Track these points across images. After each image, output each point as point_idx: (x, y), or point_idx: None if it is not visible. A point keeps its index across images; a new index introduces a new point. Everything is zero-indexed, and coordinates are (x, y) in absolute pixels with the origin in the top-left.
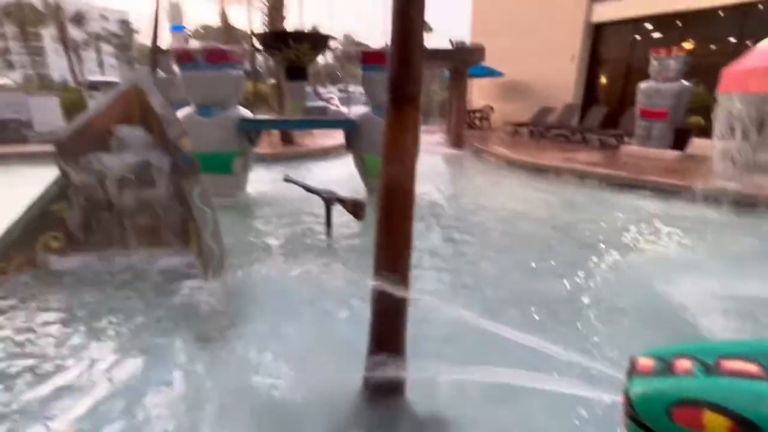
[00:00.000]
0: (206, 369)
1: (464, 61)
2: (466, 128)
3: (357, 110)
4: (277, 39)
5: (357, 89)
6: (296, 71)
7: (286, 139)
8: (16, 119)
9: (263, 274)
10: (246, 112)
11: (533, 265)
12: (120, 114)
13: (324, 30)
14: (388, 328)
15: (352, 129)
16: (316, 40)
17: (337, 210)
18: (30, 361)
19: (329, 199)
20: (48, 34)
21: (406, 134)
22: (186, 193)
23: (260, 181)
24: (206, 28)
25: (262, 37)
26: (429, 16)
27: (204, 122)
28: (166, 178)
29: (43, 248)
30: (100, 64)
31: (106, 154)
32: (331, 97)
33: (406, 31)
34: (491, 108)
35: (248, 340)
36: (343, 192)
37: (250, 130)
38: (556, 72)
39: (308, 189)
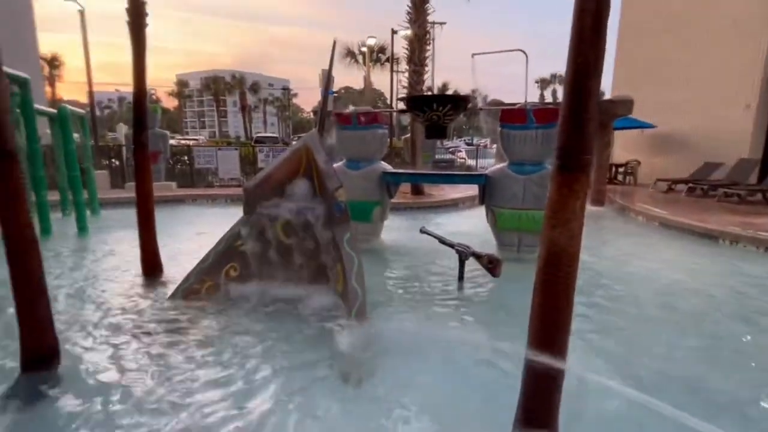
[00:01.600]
0: (342, 407)
1: (609, 113)
2: (608, 183)
3: (485, 163)
4: (420, 102)
5: (482, 141)
6: (436, 130)
7: (417, 190)
8: (208, 168)
9: (400, 320)
10: (387, 166)
11: (699, 345)
12: (292, 168)
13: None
14: (540, 402)
15: (486, 184)
16: (458, 102)
17: (470, 263)
18: (178, 376)
19: (464, 253)
20: (230, 100)
21: (575, 200)
22: (338, 238)
23: (393, 229)
24: (348, 89)
25: (406, 100)
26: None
27: (351, 174)
28: (323, 224)
29: (225, 276)
30: (264, 122)
31: (280, 201)
32: (458, 149)
33: (582, 102)
34: (638, 162)
35: (386, 385)
36: (476, 246)
37: (390, 182)
38: (724, 123)
39: (443, 241)
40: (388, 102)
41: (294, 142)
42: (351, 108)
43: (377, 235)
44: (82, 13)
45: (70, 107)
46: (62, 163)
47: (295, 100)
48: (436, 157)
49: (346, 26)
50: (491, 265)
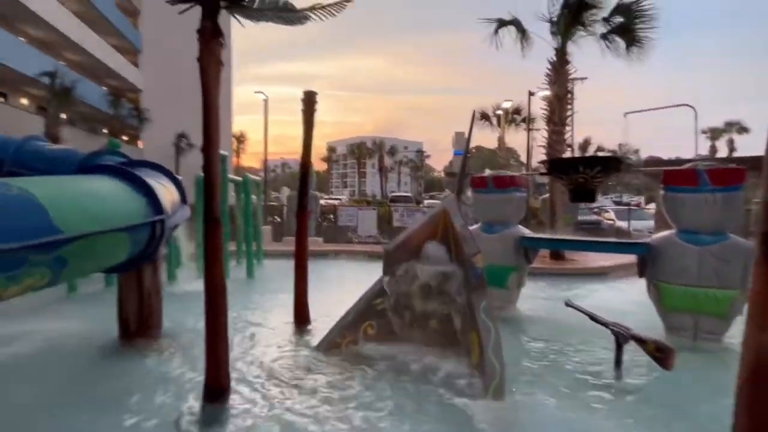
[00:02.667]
0: None
1: None
2: None
3: (641, 226)
4: (564, 164)
5: (634, 199)
6: (583, 193)
7: (557, 254)
8: (349, 225)
9: (543, 405)
10: (524, 230)
11: None
12: (430, 231)
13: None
14: None
15: (648, 254)
16: (609, 164)
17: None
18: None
19: (622, 336)
20: (370, 162)
21: None
22: (474, 305)
23: (529, 296)
24: (480, 149)
25: (547, 164)
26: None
27: (487, 238)
28: (459, 290)
29: (363, 334)
30: (398, 182)
31: (417, 264)
32: (605, 210)
33: None
34: None
35: None
36: (635, 327)
37: (528, 247)
38: None
39: (594, 318)
40: (522, 160)
41: (426, 201)
42: (487, 171)
43: (513, 303)
44: (266, 101)
45: (250, 176)
46: (241, 221)
47: (427, 161)
48: (579, 218)
49: (478, 90)
50: (661, 354)
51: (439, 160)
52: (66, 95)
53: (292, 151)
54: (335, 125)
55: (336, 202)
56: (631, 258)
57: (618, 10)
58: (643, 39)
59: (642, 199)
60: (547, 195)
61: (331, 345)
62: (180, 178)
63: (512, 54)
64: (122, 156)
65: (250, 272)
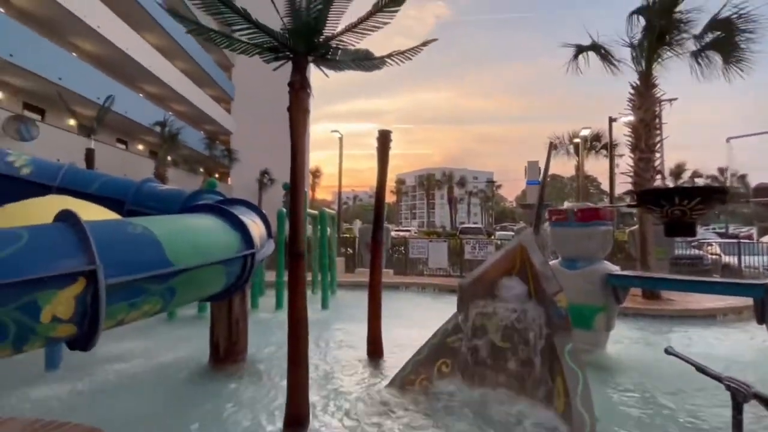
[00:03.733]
0: None
1: None
2: None
3: (756, 263)
4: (656, 195)
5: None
6: (680, 227)
7: (651, 293)
8: (419, 258)
9: None
10: (611, 267)
11: None
12: (506, 267)
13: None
14: None
15: (766, 296)
16: (711, 194)
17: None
18: None
19: (741, 393)
20: (438, 193)
21: None
22: (558, 348)
23: (621, 339)
24: (555, 177)
25: (636, 195)
26: None
27: (568, 274)
28: (539, 330)
29: (437, 371)
30: (468, 213)
31: (493, 301)
32: (707, 243)
33: None
34: None
35: None
36: (755, 383)
37: (617, 286)
38: None
39: (703, 370)
40: (603, 188)
41: (498, 232)
42: (566, 204)
43: (601, 346)
44: (340, 139)
45: (326, 210)
46: (317, 253)
47: (498, 191)
48: (676, 252)
49: (551, 118)
50: None
51: (511, 190)
52: (173, 141)
53: (362, 183)
54: (403, 157)
55: (406, 233)
56: (745, 300)
57: (713, 25)
58: (746, 52)
59: (754, 231)
60: (635, 227)
61: (405, 382)
62: (265, 212)
63: (588, 80)
64: (218, 194)
65: (324, 303)
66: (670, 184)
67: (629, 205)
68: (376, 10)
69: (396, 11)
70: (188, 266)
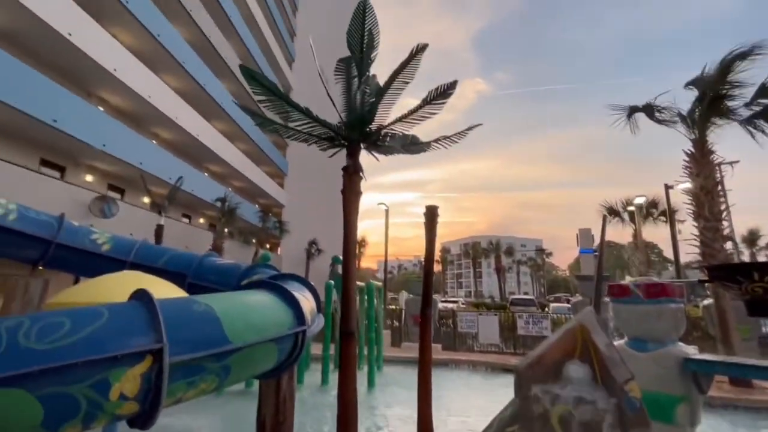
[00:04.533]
0: None
1: None
2: None
3: None
4: (731, 271)
5: None
6: (764, 307)
7: (740, 380)
8: (468, 333)
9: None
10: (688, 349)
11: None
12: (567, 349)
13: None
14: None
15: None
16: None
17: None
18: None
19: None
20: (485, 262)
21: None
22: None
23: None
24: (612, 244)
25: (708, 270)
26: None
27: (638, 357)
28: (611, 424)
29: None
30: (518, 282)
31: (555, 388)
32: None
33: None
34: None
35: None
36: None
37: (698, 372)
38: None
39: None
40: (664, 254)
41: (553, 304)
42: (628, 278)
43: None
44: (386, 211)
45: (374, 282)
46: (363, 326)
47: (548, 260)
48: (764, 330)
49: (599, 183)
50: None
51: (562, 258)
52: (231, 215)
53: (407, 252)
54: (448, 226)
55: (453, 305)
56: None
57: (763, 92)
58: None
59: None
60: (710, 300)
61: None
62: (313, 285)
63: (634, 146)
64: (272, 268)
65: (371, 381)
66: (745, 252)
67: (701, 281)
68: (425, 103)
69: (444, 103)
70: (245, 344)
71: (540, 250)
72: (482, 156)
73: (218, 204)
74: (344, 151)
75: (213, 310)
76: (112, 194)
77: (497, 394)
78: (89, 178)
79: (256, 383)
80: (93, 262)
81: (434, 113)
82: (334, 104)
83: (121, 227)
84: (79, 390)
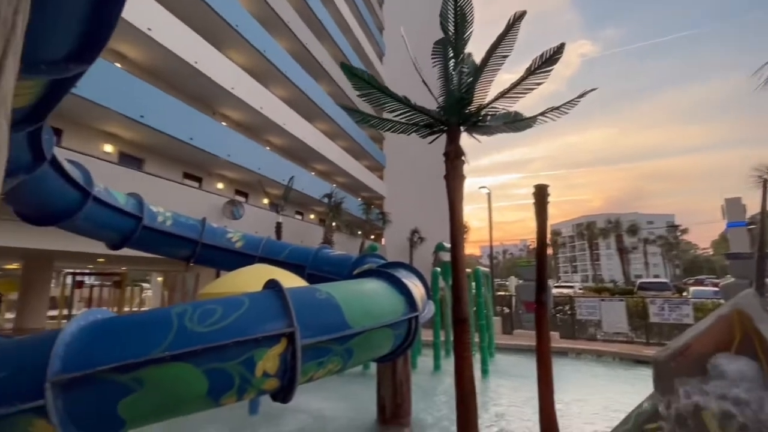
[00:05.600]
0: None
1: None
2: None
3: None
4: None
5: None
6: None
7: None
8: (589, 319)
9: None
10: None
11: None
12: (719, 340)
13: None
14: None
15: None
16: None
17: None
18: None
19: None
20: (603, 243)
21: None
22: None
23: None
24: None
25: None
26: None
27: None
28: None
29: None
30: (645, 264)
31: (706, 383)
32: None
33: None
34: None
35: None
36: None
37: None
38: None
39: None
40: None
41: (694, 288)
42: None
43: None
44: (489, 195)
45: (481, 268)
46: (472, 313)
47: (683, 237)
48: None
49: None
50: None
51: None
52: (338, 209)
53: (511, 236)
54: (557, 206)
55: (569, 290)
56: None
57: None
58: None
59: None
60: None
61: None
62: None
63: None
64: (380, 257)
65: (484, 369)
66: None
67: None
68: (529, 73)
69: (549, 71)
70: (363, 329)
71: (672, 227)
72: (593, 126)
73: (325, 200)
74: (443, 138)
75: (333, 297)
76: (238, 198)
77: (629, 387)
78: (220, 185)
79: (373, 367)
80: (230, 258)
81: (540, 83)
82: (429, 90)
83: (247, 226)
84: (232, 366)
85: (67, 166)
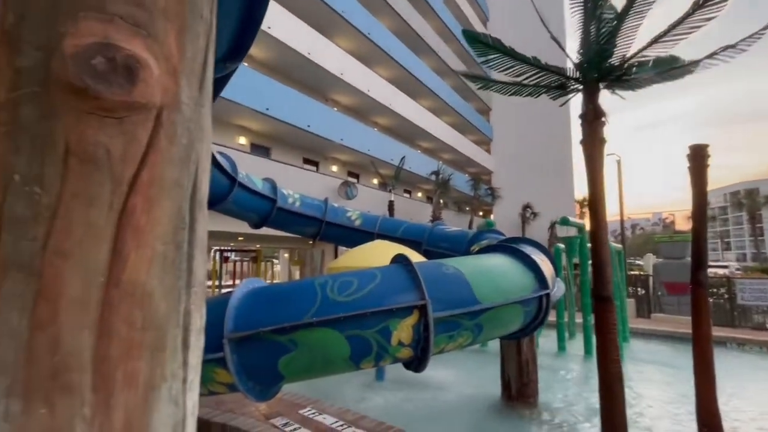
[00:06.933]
0: None
1: None
2: None
3: None
4: None
5: None
6: None
7: None
8: (756, 305)
9: None
10: None
11: None
12: None
13: None
14: None
15: None
16: None
17: None
18: None
19: None
20: (766, 214)
21: None
22: None
23: None
24: None
25: None
26: None
27: None
28: None
29: None
30: None
31: None
32: None
33: None
34: None
35: None
36: None
37: None
38: None
39: None
40: None
41: None
42: None
43: None
44: (618, 162)
45: (613, 245)
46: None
47: None
48: None
49: None
50: None
51: None
52: (445, 186)
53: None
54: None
55: (723, 270)
56: None
57: None
58: None
59: None
60: None
61: None
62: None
63: None
64: (498, 232)
65: (621, 354)
66: None
67: None
68: (697, 7)
69: (725, 4)
70: (493, 305)
71: None
72: (747, 72)
73: (432, 177)
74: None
75: (462, 273)
76: (351, 179)
77: None
78: (334, 168)
79: (491, 344)
80: (350, 235)
81: (711, 17)
82: (560, 45)
83: (359, 205)
84: (371, 334)
85: (219, 158)
